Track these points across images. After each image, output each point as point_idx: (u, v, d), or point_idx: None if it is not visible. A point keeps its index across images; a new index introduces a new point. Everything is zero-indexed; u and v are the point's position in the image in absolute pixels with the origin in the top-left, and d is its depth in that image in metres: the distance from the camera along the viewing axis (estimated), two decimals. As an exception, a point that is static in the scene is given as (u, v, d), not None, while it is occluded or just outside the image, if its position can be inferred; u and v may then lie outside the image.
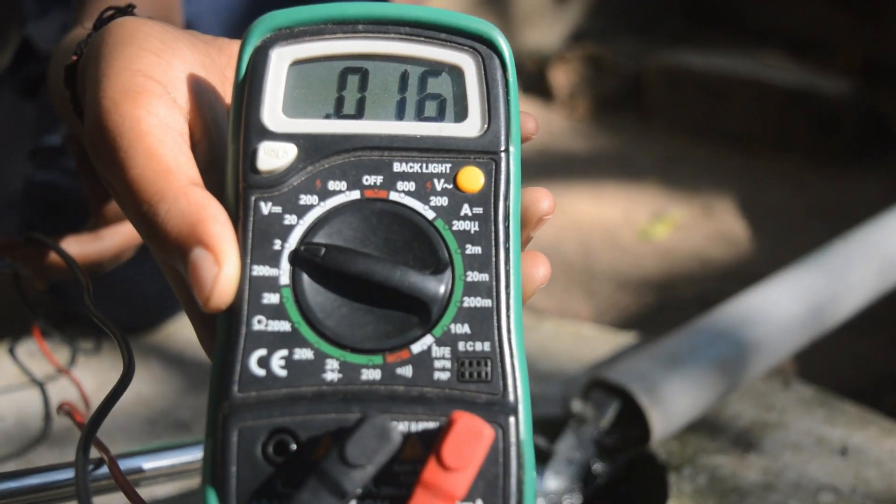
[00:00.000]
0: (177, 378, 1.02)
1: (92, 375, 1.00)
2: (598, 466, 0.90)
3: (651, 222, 1.88)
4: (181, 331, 1.09)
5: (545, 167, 2.13)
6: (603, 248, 1.79)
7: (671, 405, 0.92)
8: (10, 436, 0.92)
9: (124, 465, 0.64)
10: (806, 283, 1.08)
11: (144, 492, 0.78)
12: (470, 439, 0.34)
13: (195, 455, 0.71)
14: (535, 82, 2.49)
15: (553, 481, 0.88)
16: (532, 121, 0.43)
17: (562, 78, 2.43)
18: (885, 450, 0.95)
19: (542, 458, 0.90)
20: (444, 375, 0.37)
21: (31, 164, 1.06)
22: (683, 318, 1.07)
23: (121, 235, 0.75)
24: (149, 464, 0.65)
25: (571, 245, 1.78)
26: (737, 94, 2.31)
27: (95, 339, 1.05)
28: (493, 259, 0.39)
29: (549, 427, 0.95)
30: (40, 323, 0.90)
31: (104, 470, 0.60)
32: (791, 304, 1.05)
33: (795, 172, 2.16)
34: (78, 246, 0.73)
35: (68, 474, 0.60)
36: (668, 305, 1.59)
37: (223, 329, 0.38)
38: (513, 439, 0.36)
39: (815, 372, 1.41)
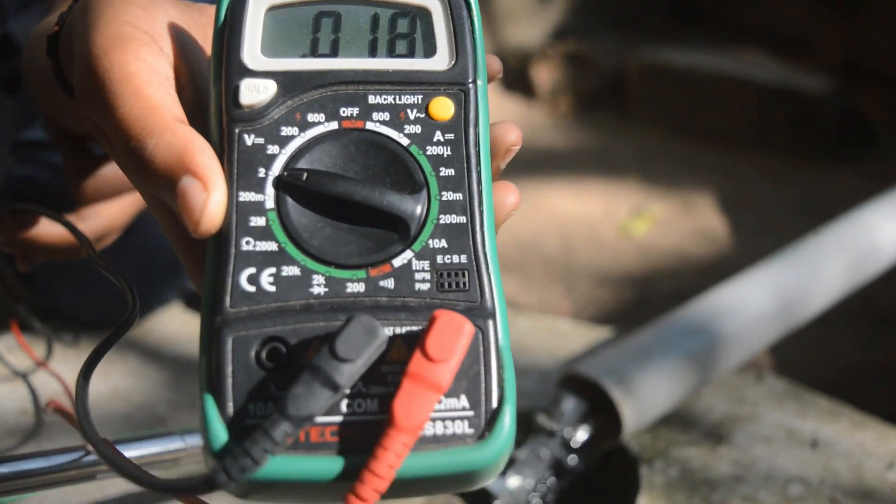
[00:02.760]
0: (154, 372, 1.02)
1: (72, 369, 1.01)
2: (569, 460, 0.91)
3: (631, 218, 1.89)
4: (159, 325, 1.10)
5: (527, 163, 2.14)
6: (583, 243, 1.80)
7: (643, 398, 0.93)
8: (-13, 430, 0.92)
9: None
10: (778, 277, 1.09)
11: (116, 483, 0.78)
12: (452, 332, 0.36)
13: (170, 446, 0.71)
14: (517, 80, 2.50)
15: (520, 478, 0.89)
16: (497, 62, 0.45)
17: (544, 75, 2.44)
18: (854, 442, 0.96)
19: (513, 452, 0.91)
20: (425, 286, 0.39)
21: (11, 160, 1.07)
22: (662, 313, 1.08)
23: (103, 217, 0.74)
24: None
25: (552, 241, 1.79)
26: (717, 90, 2.32)
27: (74, 332, 1.05)
28: (466, 180, 0.42)
29: (522, 421, 0.96)
30: (23, 312, 0.90)
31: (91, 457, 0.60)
32: (763, 298, 1.06)
33: (775, 169, 2.18)
34: (85, 227, 0.72)
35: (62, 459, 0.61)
36: (648, 301, 1.60)
37: (213, 253, 0.40)
38: (492, 340, 0.39)
39: (790, 366, 1.42)
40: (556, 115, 2.42)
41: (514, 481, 0.88)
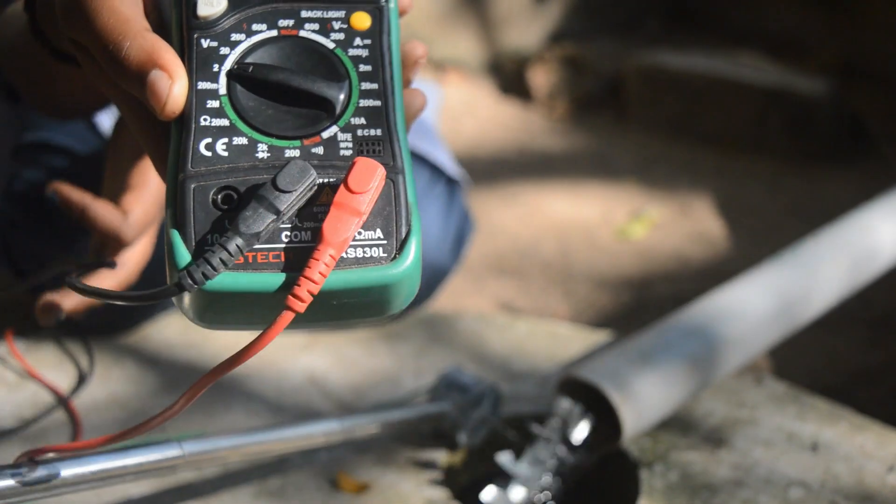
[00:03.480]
0: (151, 379, 1.02)
1: (66, 376, 1.00)
2: (568, 464, 0.90)
3: (629, 222, 1.89)
4: (157, 333, 1.10)
5: (524, 167, 2.14)
6: (581, 247, 1.80)
7: (643, 402, 0.92)
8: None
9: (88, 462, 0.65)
10: (777, 279, 1.09)
11: (110, 491, 0.78)
12: (368, 171, 0.47)
13: (168, 453, 0.71)
14: (513, 83, 2.50)
15: (524, 475, 0.88)
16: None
17: (541, 78, 2.44)
18: (855, 445, 0.96)
19: (516, 453, 0.91)
20: (348, 152, 0.49)
21: (13, 163, 1.06)
22: (661, 316, 1.08)
23: (136, 258, 0.79)
24: (112, 462, 0.65)
25: (549, 245, 1.79)
26: (714, 93, 2.32)
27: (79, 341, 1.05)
28: (381, 74, 0.52)
29: (522, 426, 0.95)
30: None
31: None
32: (763, 301, 1.06)
33: (772, 172, 2.17)
34: (113, 279, 0.77)
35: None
36: (646, 304, 1.60)
37: (176, 130, 0.49)
38: (401, 190, 0.49)
39: (790, 369, 1.42)
40: (552, 119, 2.42)
41: (517, 490, 0.88)
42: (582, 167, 2.16)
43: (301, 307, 0.45)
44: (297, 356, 1.07)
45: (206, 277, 0.45)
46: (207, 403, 0.98)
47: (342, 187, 0.46)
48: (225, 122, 0.49)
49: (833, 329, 1.54)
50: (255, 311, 0.48)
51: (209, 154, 0.48)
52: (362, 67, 0.51)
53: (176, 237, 0.47)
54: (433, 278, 1.11)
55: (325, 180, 0.48)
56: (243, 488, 0.87)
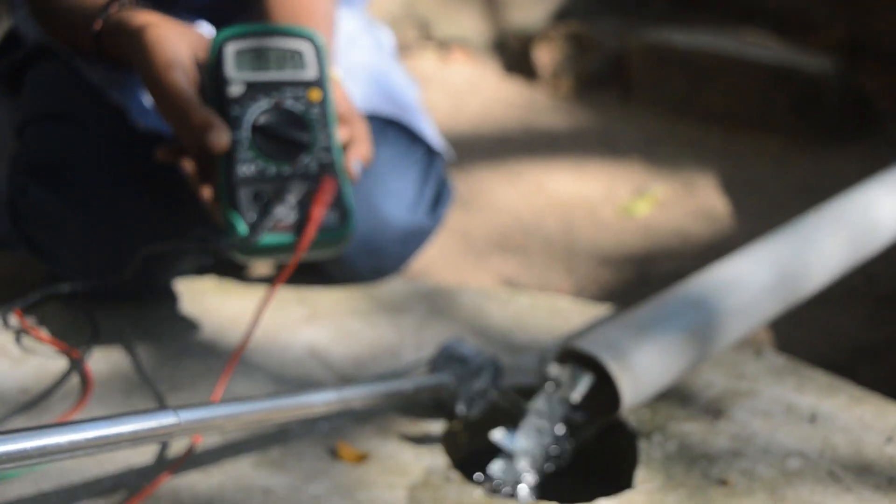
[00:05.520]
0: (155, 351, 1.03)
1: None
2: (567, 434, 0.91)
3: (633, 199, 1.89)
4: (160, 307, 1.10)
5: (528, 145, 2.13)
6: (584, 225, 1.80)
7: (641, 373, 0.93)
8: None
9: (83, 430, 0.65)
10: (777, 252, 1.09)
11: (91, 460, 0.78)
12: (331, 183, 0.91)
13: (164, 421, 0.71)
14: (518, 61, 2.49)
15: (522, 445, 0.89)
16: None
17: (545, 56, 2.43)
18: (853, 416, 0.96)
19: (514, 423, 0.91)
20: (314, 169, 0.92)
21: (19, 140, 1.07)
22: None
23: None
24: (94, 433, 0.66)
25: (553, 222, 1.79)
26: (720, 72, 2.31)
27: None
28: (327, 128, 0.93)
29: (520, 399, 0.96)
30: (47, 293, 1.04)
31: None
32: (762, 274, 1.06)
33: (777, 150, 2.17)
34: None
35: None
36: (649, 281, 1.60)
37: (223, 160, 0.91)
38: (343, 190, 0.92)
39: (792, 345, 1.42)
40: (557, 97, 2.41)
41: (523, 461, 0.88)
42: (586, 145, 2.15)
43: (302, 249, 0.89)
44: (298, 329, 1.08)
45: (258, 237, 0.88)
46: (209, 375, 0.98)
47: (318, 191, 0.90)
48: (250, 155, 0.91)
49: (837, 306, 1.54)
50: (278, 252, 0.90)
51: (244, 170, 0.90)
52: (318, 123, 0.93)
53: (235, 216, 0.89)
54: (411, 238, 1.16)
55: (306, 185, 0.91)
56: (244, 458, 0.87)
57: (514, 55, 2.54)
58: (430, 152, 1.20)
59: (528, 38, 2.50)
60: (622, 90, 2.42)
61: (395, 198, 1.13)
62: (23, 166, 1.03)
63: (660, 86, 2.37)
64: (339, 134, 0.95)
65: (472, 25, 2.64)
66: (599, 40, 2.48)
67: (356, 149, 0.97)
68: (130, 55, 0.95)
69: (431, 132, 1.21)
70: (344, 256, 1.12)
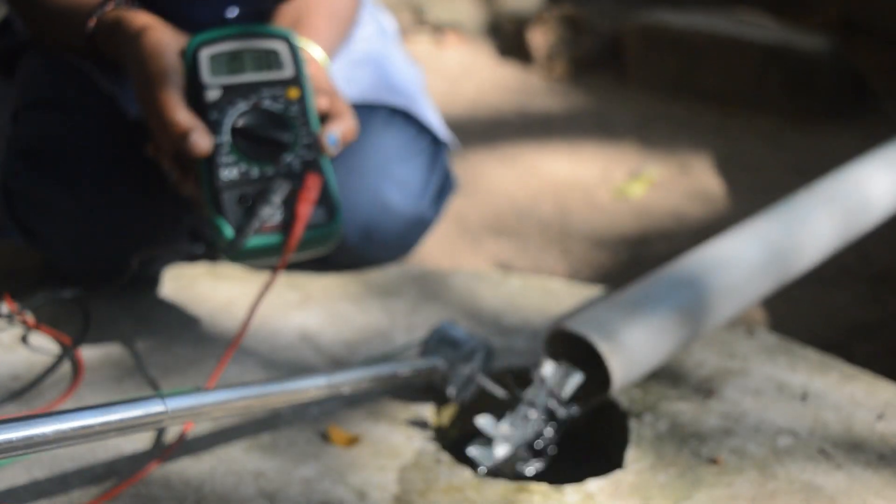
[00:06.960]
0: (146, 338, 1.03)
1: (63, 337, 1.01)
2: (554, 427, 0.91)
3: (628, 181, 1.88)
4: (149, 292, 1.10)
5: (523, 128, 2.13)
6: (579, 207, 1.79)
7: (632, 352, 0.92)
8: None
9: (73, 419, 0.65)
10: (768, 230, 1.09)
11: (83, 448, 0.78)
12: (314, 180, 0.89)
13: (152, 409, 0.71)
14: (513, 44, 2.48)
15: (505, 435, 0.89)
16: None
17: (540, 39, 2.42)
18: (844, 394, 0.96)
19: (506, 407, 0.91)
20: (297, 164, 0.90)
21: (13, 125, 1.07)
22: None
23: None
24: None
25: (547, 205, 1.79)
26: (714, 52, 2.30)
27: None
28: (308, 125, 0.92)
29: (514, 378, 0.96)
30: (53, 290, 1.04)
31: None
32: (753, 252, 1.06)
33: (773, 129, 2.16)
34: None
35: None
36: (644, 263, 1.60)
37: (204, 164, 0.89)
38: (328, 184, 0.90)
39: (787, 324, 1.42)
40: (552, 79, 2.40)
41: (501, 447, 0.88)
42: (581, 127, 2.15)
43: (291, 249, 0.87)
44: (290, 314, 1.08)
45: (244, 239, 0.86)
46: (200, 361, 0.98)
47: (303, 189, 0.88)
48: (232, 158, 0.89)
49: (832, 285, 1.54)
50: (267, 254, 0.88)
51: (227, 174, 0.88)
52: (298, 121, 0.91)
53: (221, 221, 0.87)
54: (415, 227, 1.16)
55: (291, 184, 0.89)
56: (235, 442, 0.88)
57: (508, 38, 2.53)
58: (435, 142, 1.20)
59: (522, 22, 2.49)
60: (617, 72, 2.42)
61: (401, 186, 1.13)
62: (16, 152, 1.03)
63: (654, 67, 2.37)
64: (318, 103, 0.93)
65: (466, 9, 2.63)
66: (593, 22, 2.47)
67: (336, 124, 0.92)
68: (124, 58, 0.94)
69: (437, 122, 1.21)
70: (348, 245, 1.11)
